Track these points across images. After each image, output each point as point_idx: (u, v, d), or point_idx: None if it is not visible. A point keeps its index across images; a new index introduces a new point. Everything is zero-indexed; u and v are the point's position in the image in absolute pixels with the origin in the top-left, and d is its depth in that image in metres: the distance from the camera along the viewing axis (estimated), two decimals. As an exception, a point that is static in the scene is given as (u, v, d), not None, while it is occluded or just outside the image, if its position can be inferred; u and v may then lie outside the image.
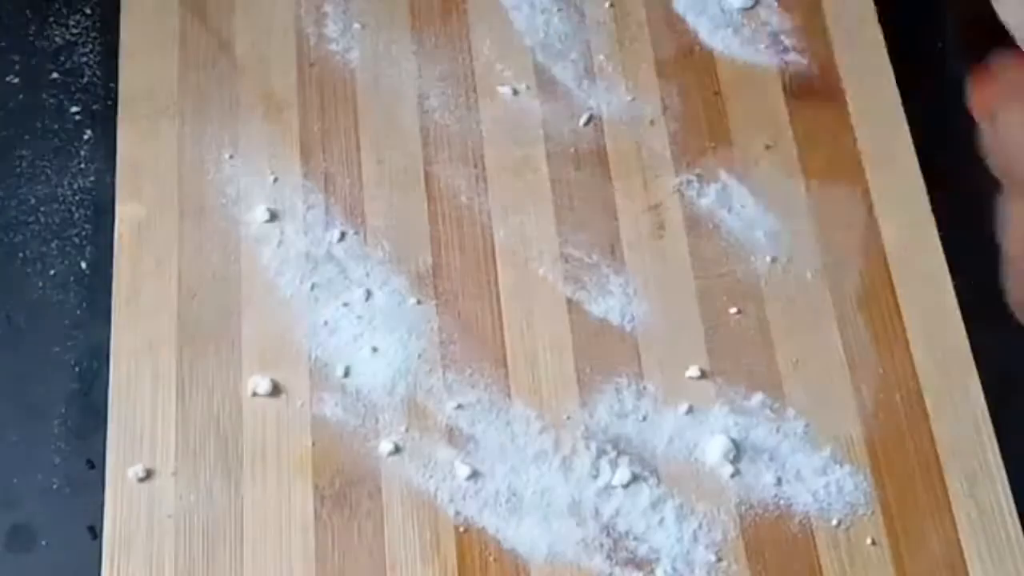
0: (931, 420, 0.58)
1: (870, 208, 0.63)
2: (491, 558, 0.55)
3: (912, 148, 0.64)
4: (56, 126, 0.64)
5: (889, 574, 0.55)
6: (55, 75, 0.66)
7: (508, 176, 0.63)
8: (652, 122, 0.65)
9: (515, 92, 0.65)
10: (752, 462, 0.57)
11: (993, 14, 0.44)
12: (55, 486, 0.56)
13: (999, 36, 0.44)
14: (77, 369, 0.58)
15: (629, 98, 0.65)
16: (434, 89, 0.66)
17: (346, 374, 0.58)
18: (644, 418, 0.58)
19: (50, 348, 0.59)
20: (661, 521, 0.55)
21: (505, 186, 0.63)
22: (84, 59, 0.66)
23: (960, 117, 0.66)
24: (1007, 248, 0.45)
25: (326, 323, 0.59)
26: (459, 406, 0.58)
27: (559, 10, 0.68)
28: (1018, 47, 0.44)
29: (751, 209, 0.63)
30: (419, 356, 0.59)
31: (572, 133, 0.64)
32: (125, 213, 0.62)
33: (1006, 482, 0.56)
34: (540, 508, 0.55)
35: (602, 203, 0.63)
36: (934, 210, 0.63)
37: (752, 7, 0.68)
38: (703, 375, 0.59)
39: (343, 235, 0.61)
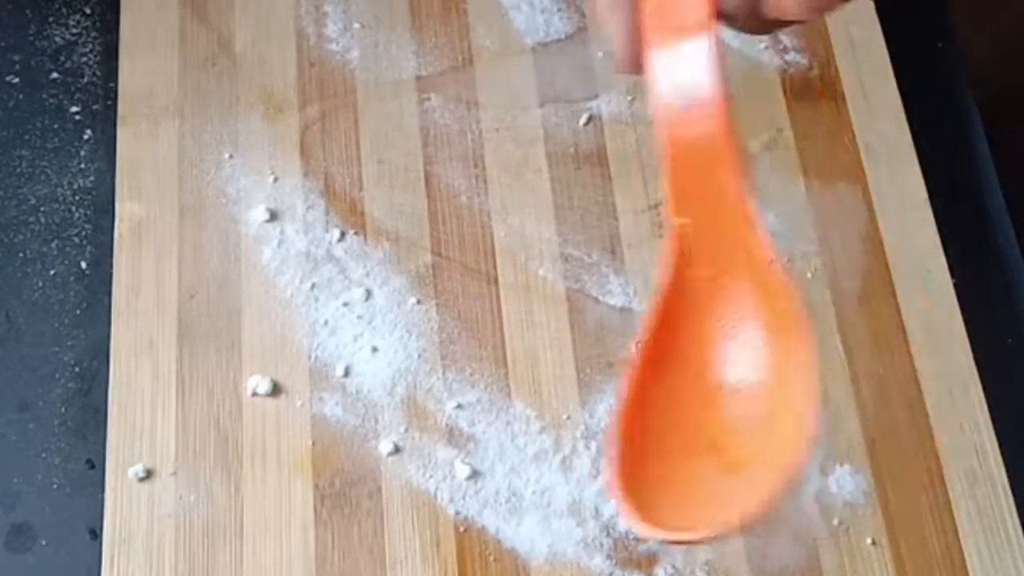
0: (931, 420, 0.58)
1: (870, 208, 0.63)
2: (491, 558, 0.55)
3: (912, 148, 0.64)
4: (56, 126, 0.64)
5: (889, 574, 0.55)
6: (55, 75, 0.65)
7: (508, 176, 0.63)
8: (652, 122, 0.65)
9: (515, 92, 0.66)
10: (752, 462, 0.57)
11: None
12: (55, 486, 0.56)
13: None
14: (77, 369, 0.58)
15: (629, 98, 0.65)
16: (434, 89, 0.66)
17: (346, 374, 0.58)
18: (644, 418, 0.58)
19: (50, 348, 0.59)
20: (661, 521, 0.55)
21: (505, 186, 0.63)
22: (84, 59, 0.66)
23: (960, 116, 0.67)
24: None
25: (326, 323, 0.59)
26: (459, 406, 0.58)
27: (559, 10, 0.68)
28: None
29: (751, 209, 0.63)
30: (419, 356, 0.59)
31: (572, 133, 0.64)
32: (125, 213, 0.62)
33: (1006, 482, 0.56)
34: (540, 508, 0.55)
35: (602, 203, 0.63)
36: (934, 210, 0.63)
37: (752, 7, 0.68)
38: (703, 375, 0.59)
39: (343, 235, 0.61)
